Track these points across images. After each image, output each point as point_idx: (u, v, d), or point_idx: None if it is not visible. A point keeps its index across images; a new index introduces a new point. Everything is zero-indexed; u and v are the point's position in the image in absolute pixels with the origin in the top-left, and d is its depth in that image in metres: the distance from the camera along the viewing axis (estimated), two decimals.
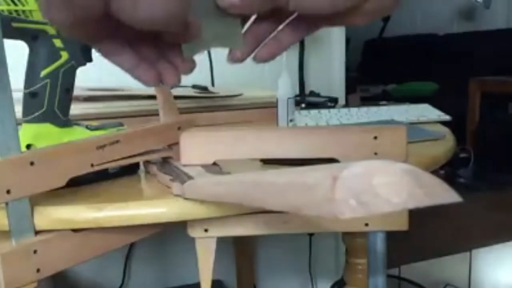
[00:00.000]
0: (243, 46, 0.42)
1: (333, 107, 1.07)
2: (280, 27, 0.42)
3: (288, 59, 1.14)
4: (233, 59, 0.44)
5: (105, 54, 0.38)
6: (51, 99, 0.55)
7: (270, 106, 0.83)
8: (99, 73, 0.85)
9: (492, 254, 1.65)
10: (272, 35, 0.43)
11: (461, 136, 2.49)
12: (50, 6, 0.32)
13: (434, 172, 0.33)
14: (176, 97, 0.66)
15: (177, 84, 0.41)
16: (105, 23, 0.34)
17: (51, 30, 0.54)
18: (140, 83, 0.40)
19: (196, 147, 0.54)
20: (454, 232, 1.73)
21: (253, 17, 0.44)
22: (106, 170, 0.54)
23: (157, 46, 0.39)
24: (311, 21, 0.42)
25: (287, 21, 0.42)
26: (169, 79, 0.40)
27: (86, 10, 0.32)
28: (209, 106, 0.89)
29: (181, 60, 0.40)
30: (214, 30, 0.41)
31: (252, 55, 0.44)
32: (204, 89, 0.96)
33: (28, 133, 0.55)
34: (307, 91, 1.21)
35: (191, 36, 0.38)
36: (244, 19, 0.43)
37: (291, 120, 0.77)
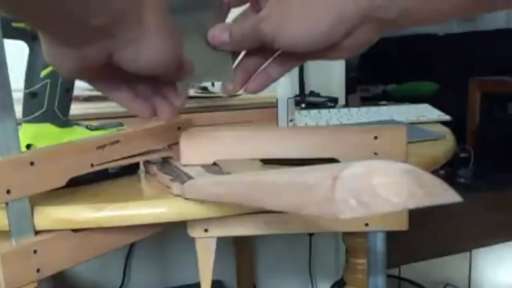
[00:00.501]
0: (234, 79, 0.44)
1: (333, 107, 1.07)
2: (267, 62, 0.45)
3: None
4: (226, 91, 0.47)
5: (103, 91, 0.40)
6: (51, 99, 0.55)
7: (270, 106, 0.83)
8: None
9: (492, 254, 1.65)
10: (261, 68, 0.46)
11: (461, 136, 2.49)
12: (55, 54, 0.34)
13: (434, 172, 0.33)
14: None
15: (170, 118, 0.43)
16: (105, 68, 0.35)
17: None
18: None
19: (196, 147, 0.54)
20: (454, 232, 1.73)
21: (242, 53, 0.46)
22: (106, 170, 0.54)
23: (152, 83, 0.41)
24: (297, 56, 0.44)
25: (274, 56, 0.45)
26: (164, 113, 0.42)
27: (90, 60, 0.34)
28: (209, 106, 0.89)
29: (175, 95, 0.42)
30: (206, 65, 0.43)
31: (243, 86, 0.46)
32: (204, 89, 0.96)
33: (28, 133, 0.55)
34: (307, 91, 1.21)
35: (185, 75, 0.40)
36: (234, 53, 0.45)
37: (291, 120, 0.77)
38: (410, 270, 1.54)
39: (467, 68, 3.13)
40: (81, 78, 0.37)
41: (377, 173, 0.23)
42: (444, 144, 0.72)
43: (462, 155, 2.27)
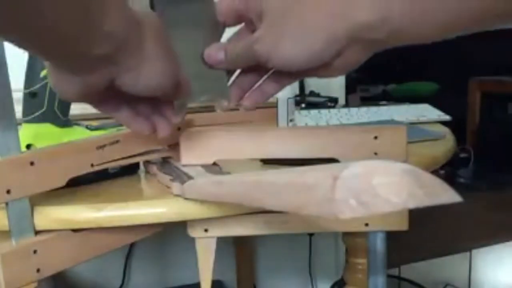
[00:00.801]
0: (229, 97, 0.46)
1: (333, 107, 1.07)
2: (261, 80, 0.47)
3: None
4: (221, 108, 0.48)
5: (104, 112, 0.41)
6: (51, 99, 0.55)
7: (270, 106, 0.83)
8: None
9: (492, 254, 1.65)
10: (256, 85, 0.47)
11: (461, 136, 2.49)
12: (60, 80, 0.36)
13: (434, 172, 0.33)
14: None
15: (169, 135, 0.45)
16: (106, 91, 0.37)
17: None
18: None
19: (196, 147, 0.54)
20: (454, 232, 1.73)
21: (238, 70, 0.47)
22: (106, 170, 0.54)
23: (151, 102, 0.43)
24: (290, 74, 0.46)
25: (268, 74, 0.47)
26: (163, 130, 0.44)
27: (93, 86, 0.36)
28: (209, 106, 0.89)
29: (173, 113, 0.44)
30: (202, 83, 0.45)
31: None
32: None
33: (28, 133, 0.55)
34: (307, 91, 1.21)
35: (183, 95, 0.42)
36: (229, 71, 0.46)
37: (291, 120, 0.77)
38: (410, 270, 1.54)
39: (467, 68, 3.13)
40: (84, 101, 0.39)
41: (377, 173, 0.23)
42: (444, 144, 0.72)
43: (462, 155, 2.26)
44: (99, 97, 0.38)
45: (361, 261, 0.68)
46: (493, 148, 2.33)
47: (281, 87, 0.48)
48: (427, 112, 0.96)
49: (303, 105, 1.05)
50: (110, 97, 0.38)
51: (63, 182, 0.48)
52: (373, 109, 0.99)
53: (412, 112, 0.97)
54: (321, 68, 0.41)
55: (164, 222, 0.50)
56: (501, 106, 2.79)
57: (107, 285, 1.15)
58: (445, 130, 0.83)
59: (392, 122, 0.89)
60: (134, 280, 1.17)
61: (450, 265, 1.61)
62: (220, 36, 0.46)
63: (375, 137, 0.54)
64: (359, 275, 0.70)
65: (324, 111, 0.96)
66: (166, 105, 0.44)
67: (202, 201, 0.49)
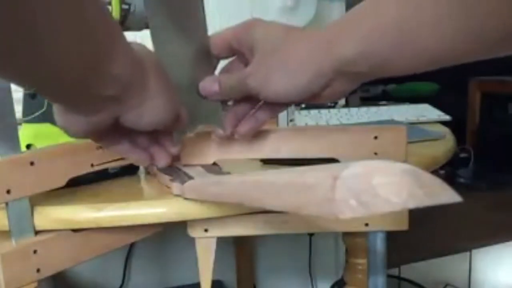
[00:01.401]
0: (224, 125, 0.48)
1: (333, 107, 1.07)
2: (254, 110, 0.49)
3: None
4: (217, 136, 0.50)
5: (104, 145, 0.43)
6: None
7: None
8: None
9: (492, 254, 1.65)
10: (250, 113, 0.49)
11: (461, 136, 2.49)
12: (66, 120, 0.37)
13: (434, 172, 0.33)
14: None
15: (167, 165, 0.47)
16: (108, 127, 0.38)
17: None
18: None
19: (196, 147, 0.54)
20: (454, 232, 1.73)
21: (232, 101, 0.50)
22: (106, 170, 0.54)
23: (150, 133, 0.44)
24: (282, 103, 0.48)
25: (261, 103, 0.49)
26: (161, 160, 0.46)
27: (98, 125, 0.37)
28: None
29: (171, 143, 0.46)
30: (198, 114, 0.47)
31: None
32: None
33: (28, 133, 0.55)
34: None
35: (181, 126, 0.44)
36: (223, 101, 0.48)
37: (291, 120, 0.77)
38: (410, 270, 1.54)
39: (467, 68, 3.13)
40: (87, 138, 0.40)
41: (377, 173, 0.23)
42: (444, 144, 0.72)
43: (462, 155, 2.26)
44: (101, 132, 0.40)
45: (361, 261, 0.68)
46: (493, 148, 2.33)
47: (275, 113, 0.50)
48: (427, 112, 0.96)
49: (303, 105, 1.05)
50: (110, 131, 0.40)
51: (63, 182, 0.48)
52: (373, 109, 0.99)
53: (412, 112, 0.97)
54: (311, 98, 0.44)
55: (164, 222, 0.49)
56: (501, 106, 2.79)
57: (107, 285, 1.15)
58: (445, 130, 0.83)
59: (392, 122, 0.89)
60: (134, 280, 1.17)
61: (450, 265, 1.60)
62: (215, 68, 0.49)
63: (375, 137, 0.54)
64: (359, 275, 0.69)
65: (324, 111, 0.96)
66: (164, 136, 0.45)
67: (202, 201, 0.49)
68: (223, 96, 0.46)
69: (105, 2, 0.62)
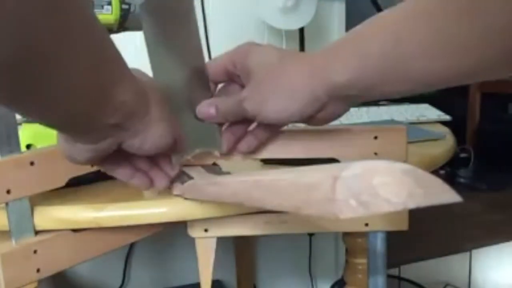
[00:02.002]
0: (222, 146, 0.49)
1: None
2: (252, 126, 0.50)
3: None
4: (214, 157, 0.51)
5: (106, 170, 0.44)
6: None
7: None
8: None
9: (492, 254, 1.65)
10: (249, 128, 0.50)
11: (461, 136, 2.48)
12: (70, 149, 0.38)
13: (434, 172, 0.33)
14: None
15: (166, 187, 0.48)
16: (111, 153, 0.40)
17: None
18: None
19: None
20: (454, 232, 1.73)
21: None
22: None
23: (150, 157, 0.45)
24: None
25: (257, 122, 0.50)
26: (160, 183, 0.47)
27: (102, 152, 0.38)
28: None
29: (170, 166, 0.47)
30: (196, 136, 0.48)
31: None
32: None
33: (28, 133, 0.55)
34: None
35: (180, 150, 0.46)
36: (220, 124, 0.49)
37: None
38: (410, 270, 1.54)
39: None
40: (90, 164, 0.42)
41: (377, 173, 0.23)
42: (444, 144, 0.72)
43: (462, 155, 2.26)
44: (104, 159, 0.41)
45: (361, 261, 0.68)
46: (493, 148, 2.33)
47: (273, 132, 0.51)
48: (427, 112, 0.96)
49: None
50: (112, 155, 0.41)
51: (63, 182, 0.48)
52: (373, 109, 0.99)
53: (412, 112, 0.96)
54: (306, 120, 0.45)
55: (164, 222, 0.50)
56: (501, 106, 2.79)
57: (107, 285, 1.15)
58: (445, 130, 0.83)
59: (392, 122, 0.89)
60: (134, 280, 1.17)
61: (450, 265, 1.60)
62: (212, 93, 0.49)
63: (375, 137, 0.54)
64: (359, 275, 0.70)
65: None
66: (163, 159, 0.47)
67: (202, 201, 0.49)
68: (220, 120, 0.47)
69: (106, 2, 0.62)
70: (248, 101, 0.45)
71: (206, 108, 0.46)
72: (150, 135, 0.39)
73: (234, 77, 0.48)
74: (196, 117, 0.47)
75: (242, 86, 0.47)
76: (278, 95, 0.44)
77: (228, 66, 0.47)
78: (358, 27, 0.42)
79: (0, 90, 0.27)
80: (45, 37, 0.25)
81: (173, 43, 0.44)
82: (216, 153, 0.50)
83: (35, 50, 0.25)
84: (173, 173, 0.47)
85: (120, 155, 0.42)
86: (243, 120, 0.48)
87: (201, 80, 0.48)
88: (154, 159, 0.46)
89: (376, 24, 0.41)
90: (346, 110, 0.46)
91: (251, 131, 0.50)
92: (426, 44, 0.37)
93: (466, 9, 0.35)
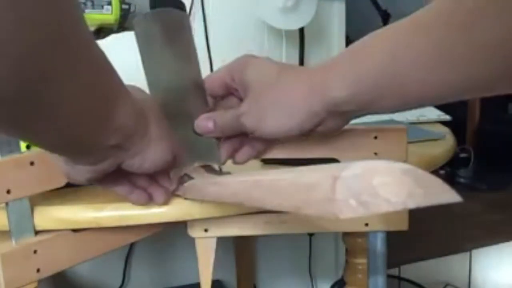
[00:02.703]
0: (220, 160, 0.49)
1: None
2: (250, 136, 0.49)
3: (287, 58, 1.14)
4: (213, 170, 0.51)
5: (104, 187, 0.44)
6: None
7: None
8: None
9: (492, 254, 1.65)
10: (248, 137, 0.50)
11: (461, 136, 2.48)
12: (70, 170, 0.39)
13: (434, 172, 0.33)
14: None
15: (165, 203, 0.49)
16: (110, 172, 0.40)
17: None
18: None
19: None
20: (454, 232, 1.73)
21: None
22: None
23: (148, 174, 0.45)
24: None
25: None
26: (159, 198, 0.47)
27: (101, 172, 0.39)
28: None
29: (169, 181, 0.48)
30: (194, 150, 0.48)
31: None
32: None
33: None
34: None
35: (178, 165, 0.46)
36: (218, 138, 0.49)
37: None
38: (410, 270, 1.54)
39: None
40: (90, 184, 0.42)
41: (377, 173, 0.23)
42: (444, 144, 0.72)
43: (462, 155, 2.26)
44: (103, 177, 0.41)
45: (361, 261, 0.68)
46: (493, 148, 2.33)
47: (271, 144, 0.51)
48: (427, 112, 0.96)
49: None
50: (111, 174, 0.41)
51: (63, 182, 0.48)
52: None
53: (412, 112, 0.96)
54: (304, 135, 0.45)
55: (164, 222, 0.50)
56: (501, 106, 2.79)
57: (107, 285, 1.15)
58: (445, 130, 0.83)
59: (392, 122, 0.89)
60: (134, 280, 1.17)
61: (450, 265, 1.60)
62: (210, 107, 0.49)
63: (375, 137, 0.54)
64: (359, 275, 0.70)
65: None
66: (162, 175, 0.47)
67: (202, 201, 0.49)
68: (217, 134, 0.47)
69: (106, 2, 0.62)
70: (246, 116, 0.45)
71: (204, 122, 0.46)
72: (150, 154, 0.40)
73: (232, 90, 0.48)
74: (194, 131, 0.47)
75: (240, 99, 0.47)
76: (276, 111, 0.44)
77: (226, 79, 0.47)
78: (355, 44, 0.43)
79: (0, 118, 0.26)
80: (48, 67, 0.25)
81: (169, 57, 0.45)
82: (215, 166, 0.51)
83: (37, 80, 0.25)
84: (172, 187, 0.48)
85: (119, 173, 0.42)
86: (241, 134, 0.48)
87: (199, 94, 0.48)
88: (153, 175, 0.46)
89: (372, 41, 0.41)
90: (344, 124, 0.46)
91: (249, 141, 0.50)
92: (422, 60, 0.38)
93: (463, 24, 0.35)
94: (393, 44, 0.39)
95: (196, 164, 0.48)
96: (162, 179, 0.47)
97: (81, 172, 0.39)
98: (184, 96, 0.47)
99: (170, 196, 0.48)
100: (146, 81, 0.44)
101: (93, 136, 0.34)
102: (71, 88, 0.28)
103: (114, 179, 0.43)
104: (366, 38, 0.42)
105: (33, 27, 0.23)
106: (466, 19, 0.35)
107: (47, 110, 0.27)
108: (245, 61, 0.47)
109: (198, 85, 0.48)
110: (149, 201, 0.47)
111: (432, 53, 0.37)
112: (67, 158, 0.38)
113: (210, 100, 0.49)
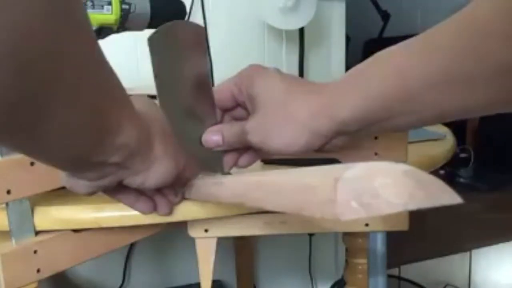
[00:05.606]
0: (224, 170, 0.49)
1: None
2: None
3: (288, 58, 1.14)
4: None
5: (109, 195, 0.44)
6: None
7: None
8: None
9: (492, 254, 1.65)
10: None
11: (461, 136, 2.48)
12: (73, 185, 0.38)
13: (434, 172, 0.33)
14: None
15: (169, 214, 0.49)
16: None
17: None
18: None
19: None
20: (454, 232, 1.73)
21: None
22: None
23: None
24: None
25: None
26: (163, 210, 0.47)
27: (104, 187, 0.39)
28: None
29: (174, 194, 0.47)
30: (200, 162, 0.47)
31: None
32: None
33: None
34: None
35: (185, 181, 0.46)
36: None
37: None
38: (410, 270, 1.54)
39: None
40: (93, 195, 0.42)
41: (378, 175, 0.23)
42: (444, 144, 0.72)
43: (462, 155, 2.26)
44: (107, 189, 0.41)
45: (361, 261, 0.68)
46: (493, 148, 2.33)
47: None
48: None
49: None
50: (117, 187, 0.41)
51: None
52: None
53: None
54: (310, 153, 0.46)
55: (164, 222, 0.49)
56: None
57: (107, 285, 1.15)
58: (445, 130, 0.83)
59: None
60: (134, 280, 1.17)
61: (450, 265, 1.61)
62: (217, 120, 0.49)
63: (375, 137, 0.54)
64: (359, 275, 0.70)
65: None
66: (167, 187, 0.46)
67: (202, 201, 0.48)
68: (225, 147, 0.47)
69: (106, 1, 0.62)
70: (252, 134, 0.45)
71: (212, 136, 0.46)
72: (153, 172, 0.39)
73: (240, 102, 0.47)
74: (201, 144, 0.46)
75: (248, 111, 0.47)
76: (283, 131, 0.44)
77: (234, 91, 0.47)
78: (363, 64, 0.42)
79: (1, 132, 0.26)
80: (49, 78, 0.25)
81: (182, 70, 0.44)
82: (219, 175, 0.50)
83: (37, 91, 0.25)
84: (176, 200, 0.48)
85: (124, 185, 0.42)
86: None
87: (208, 106, 0.47)
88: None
89: (379, 61, 0.41)
90: (352, 142, 0.46)
91: (252, 148, 0.49)
92: (430, 80, 0.37)
93: (473, 46, 0.35)
94: (399, 65, 0.39)
95: (201, 176, 0.47)
96: (167, 192, 0.47)
97: (84, 187, 0.38)
98: (195, 109, 0.46)
99: (172, 208, 0.48)
100: (157, 93, 0.43)
101: (92, 153, 0.33)
102: (72, 102, 0.27)
103: (120, 189, 0.43)
104: (372, 58, 0.42)
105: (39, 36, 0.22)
106: (475, 41, 0.35)
107: (44, 124, 0.27)
108: (252, 73, 0.46)
109: (208, 97, 0.47)
110: (153, 211, 0.47)
111: (440, 75, 0.37)
112: (66, 172, 0.38)
113: (219, 112, 0.49)
